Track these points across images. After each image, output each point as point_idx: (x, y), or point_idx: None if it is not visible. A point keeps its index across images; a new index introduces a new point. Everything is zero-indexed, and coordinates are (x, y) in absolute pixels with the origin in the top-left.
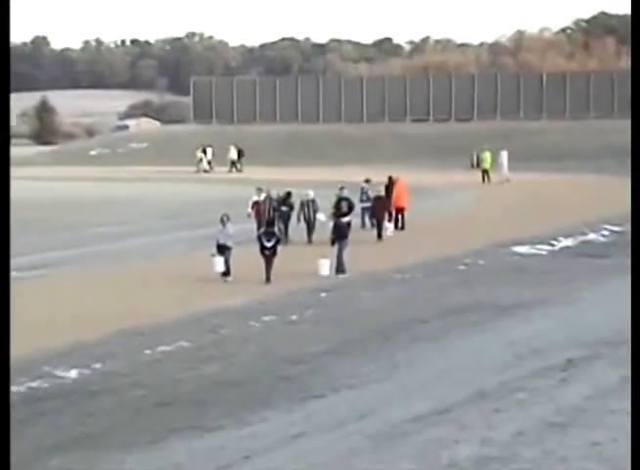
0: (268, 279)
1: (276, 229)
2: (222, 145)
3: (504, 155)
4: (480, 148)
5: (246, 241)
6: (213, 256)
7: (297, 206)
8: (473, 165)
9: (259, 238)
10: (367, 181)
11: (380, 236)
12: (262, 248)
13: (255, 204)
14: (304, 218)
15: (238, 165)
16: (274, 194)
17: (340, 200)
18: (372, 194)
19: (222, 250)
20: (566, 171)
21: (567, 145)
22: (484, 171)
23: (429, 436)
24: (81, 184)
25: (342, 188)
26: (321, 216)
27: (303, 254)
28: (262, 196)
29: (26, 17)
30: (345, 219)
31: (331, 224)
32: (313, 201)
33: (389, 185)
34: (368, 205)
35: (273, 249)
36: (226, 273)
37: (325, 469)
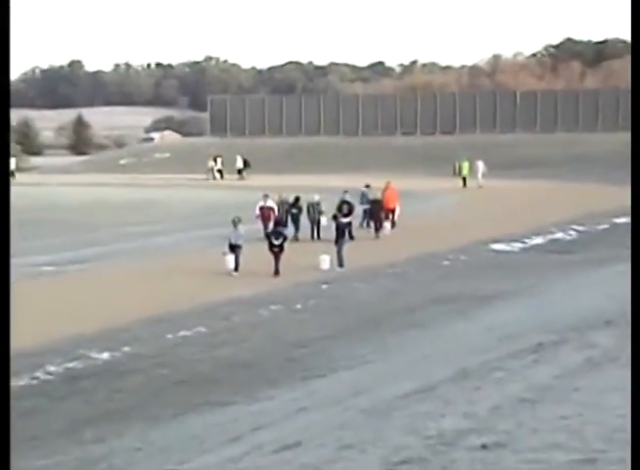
0: (277, 272)
1: (283, 229)
2: (234, 155)
3: (480, 164)
4: (460, 158)
5: (254, 239)
6: (225, 254)
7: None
8: (455, 173)
9: (268, 237)
10: (367, 186)
11: (377, 234)
12: (271, 245)
13: (262, 208)
14: (310, 219)
15: (243, 174)
16: (283, 198)
17: (342, 203)
18: (371, 197)
19: (234, 248)
20: (536, 178)
21: (537, 155)
22: (463, 178)
23: (417, 410)
24: (112, 190)
25: (345, 192)
26: (323, 220)
27: (309, 250)
28: (268, 201)
29: (64, 42)
30: (346, 220)
31: (333, 225)
32: (318, 203)
33: (388, 190)
34: (367, 207)
35: (281, 246)
36: (236, 269)
37: (323, 439)
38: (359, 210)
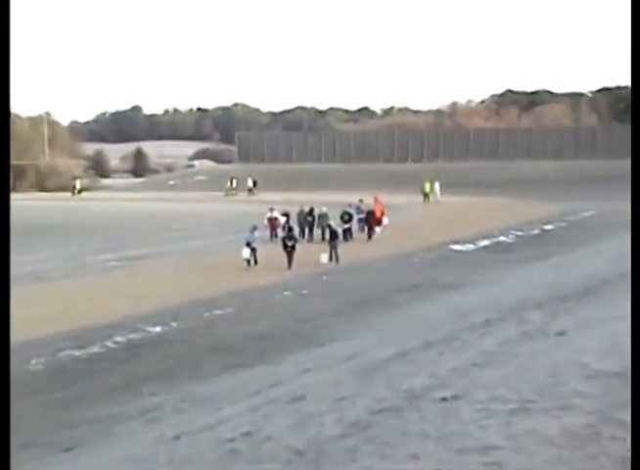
0: (290, 266)
1: (294, 234)
2: (253, 177)
3: (437, 185)
4: (424, 180)
5: (266, 241)
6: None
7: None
8: (422, 191)
9: (283, 240)
10: (361, 200)
11: (370, 237)
12: (285, 246)
13: (269, 218)
14: (320, 225)
15: (253, 191)
16: (302, 209)
17: (343, 213)
18: (364, 209)
19: (250, 246)
20: (484, 195)
21: (485, 178)
22: (425, 195)
23: (393, 372)
24: (163, 204)
25: (349, 205)
26: (333, 225)
27: (318, 249)
28: (274, 212)
29: (127, 91)
30: (347, 226)
31: (339, 229)
32: (326, 214)
33: (377, 202)
34: (362, 216)
35: (293, 246)
36: (249, 262)
37: (324, 392)
38: (356, 218)
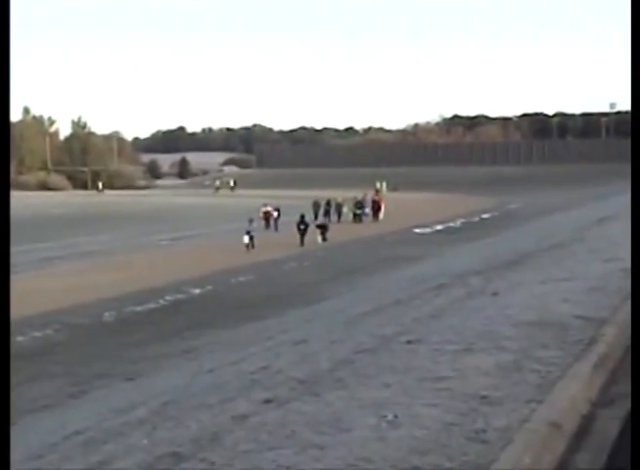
0: (302, 244)
1: (306, 220)
2: (267, 180)
3: (384, 184)
4: (380, 181)
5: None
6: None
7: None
8: (375, 189)
9: (298, 224)
10: (365, 195)
11: (377, 219)
12: (299, 229)
13: (264, 212)
14: (336, 211)
15: (234, 189)
16: (298, 203)
17: (357, 202)
18: (369, 198)
19: (249, 234)
20: (437, 192)
21: (438, 179)
22: (377, 191)
23: (371, 322)
24: (198, 198)
25: (364, 195)
26: (345, 211)
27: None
28: (268, 207)
29: (175, 113)
30: (359, 211)
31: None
32: (341, 204)
33: (377, 195)
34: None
35: (305, 230)
36: (248, 246)
37: (320, 337)
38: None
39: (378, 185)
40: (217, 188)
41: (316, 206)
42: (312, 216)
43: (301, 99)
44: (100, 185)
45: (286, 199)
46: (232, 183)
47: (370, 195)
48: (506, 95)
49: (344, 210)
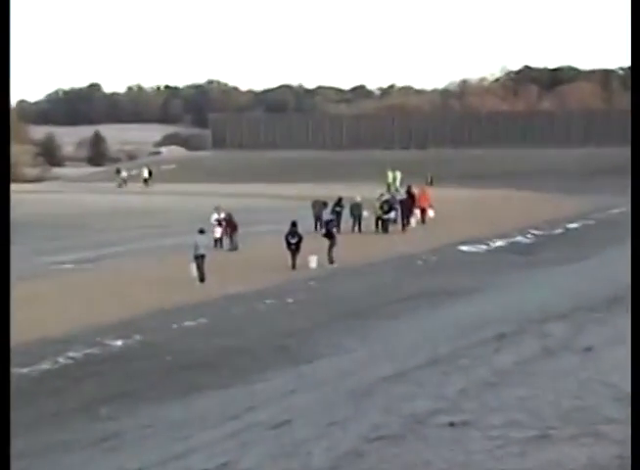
0: (294, 266)
1: (299, 229)
2: (229, 167)
3: (398, 175)
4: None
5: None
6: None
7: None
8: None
9: (287, 237)
10: (382, 194)
11: (405, 227)
12: (288, 244)
13: (217, 220)
14: (352, 217)
15: (148, 182)
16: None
17: (384, 201)
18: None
19: (198, 259)
20: (500, 187)
21: (498, 168)
22: (388, 186)
23: (393, 393)
24: (124, 197)
25: (381, 194)
26: (365, 214)
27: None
28: (222, 214)
29: (84, 66)
30: (385, 216)
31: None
32: (359, 204)
33: (409, 192)
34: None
35: (297, 245)
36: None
37: (311, 416)
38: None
39: (390, 176)
40: (123, 181)
41: (317, 207)
42: (308, 224)
43: (283, 40)
44: None
45: (256, 198)
46: (146, 173)
47: (402, 191)
48: (606, 35)
49: (365, 213)
